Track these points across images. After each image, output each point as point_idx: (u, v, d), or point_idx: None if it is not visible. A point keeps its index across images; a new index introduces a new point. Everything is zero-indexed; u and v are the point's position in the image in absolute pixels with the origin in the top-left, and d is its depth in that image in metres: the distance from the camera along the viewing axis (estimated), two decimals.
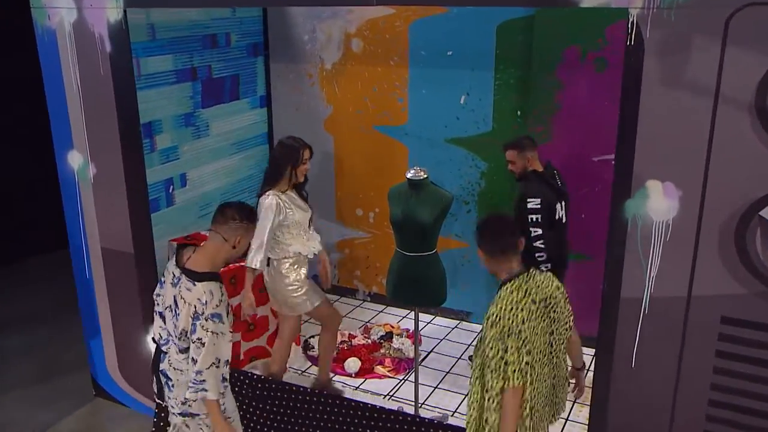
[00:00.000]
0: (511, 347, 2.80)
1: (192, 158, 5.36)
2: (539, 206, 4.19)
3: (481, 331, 2.96)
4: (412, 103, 5.50)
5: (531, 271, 2.96)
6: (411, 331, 5.57)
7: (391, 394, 4.87)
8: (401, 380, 5.03)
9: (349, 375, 5.06)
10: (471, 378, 3.03)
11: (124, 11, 3.71)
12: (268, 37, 5.96)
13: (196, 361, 3.07)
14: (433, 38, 5.27)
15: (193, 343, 3.08)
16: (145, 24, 4.71)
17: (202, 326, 3.05)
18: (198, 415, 3.27)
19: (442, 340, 5.57)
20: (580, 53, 4.83)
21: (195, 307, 3.08)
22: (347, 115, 5.78)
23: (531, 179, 4.36)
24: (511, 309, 2.83)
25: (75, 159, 4.26)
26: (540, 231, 4.19)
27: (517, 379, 2.81)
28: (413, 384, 4.50)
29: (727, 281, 2.80)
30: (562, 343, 3.06)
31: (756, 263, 2.74)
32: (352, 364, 5.11)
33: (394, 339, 5.48)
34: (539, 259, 4.30)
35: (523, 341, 2.82)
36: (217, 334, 3.07)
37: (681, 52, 2.65)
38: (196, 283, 3.09)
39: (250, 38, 5.84)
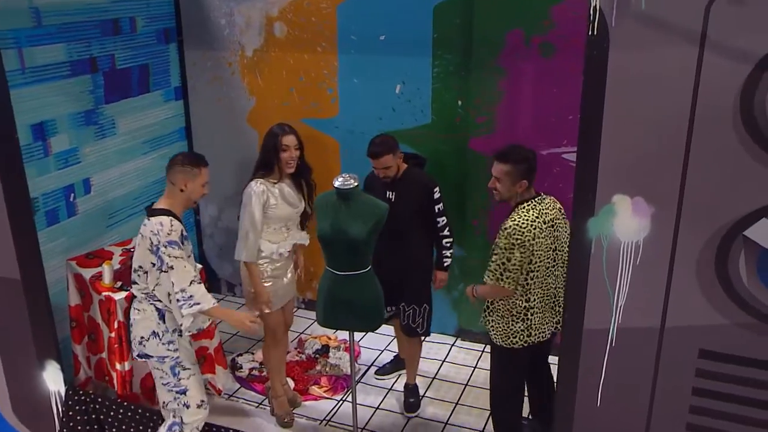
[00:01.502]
0: (516, 257, 3.31)
1: (96, 161, 4.78)
2: (440, 193, 4.10)
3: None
4: (342, 94, 5.00)
5: (541, 195, 3.46)
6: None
7: (328, 418, 4.41)
8: (339, 401, 4.57)
9: None
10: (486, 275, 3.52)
11: None
12: (180, 21, 5.35)
13: (175, 285, 3.31)
14: (363, 21, 4.77)
15: (165, 272, 3.34)
16: (27, 8, 4.07)
17: (165, 254, 3.32)
18: (152, 357, 3.50)
19: (383, 351, 5.13)
20: (524, 37, 4.41)
21: (150, 240, 3.35)
22: (272, 108, 5.24)
23: (416, 171, 4.18)
24: (526, 225, 3.31)
25: None
26: (446, 219, 4.13)
27: (509, 285, 3.37)
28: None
29: (706, 310, 2.42)
30: (564, 259, 3.43)
31: (739, 290, 2.36)
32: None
33: (330, 353, 5.02)
34: (446, 245, 4.16)
35: (530, 254, 3.32)
36: (182, 258, 3.35)
37: (653, 44, 2.23)
38: (149, 218, 3.40)
39: (159, 23, 5.22)
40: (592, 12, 2.25)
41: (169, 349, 3.51)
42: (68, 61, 4.42)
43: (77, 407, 3.81)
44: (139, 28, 5.01)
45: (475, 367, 4.91)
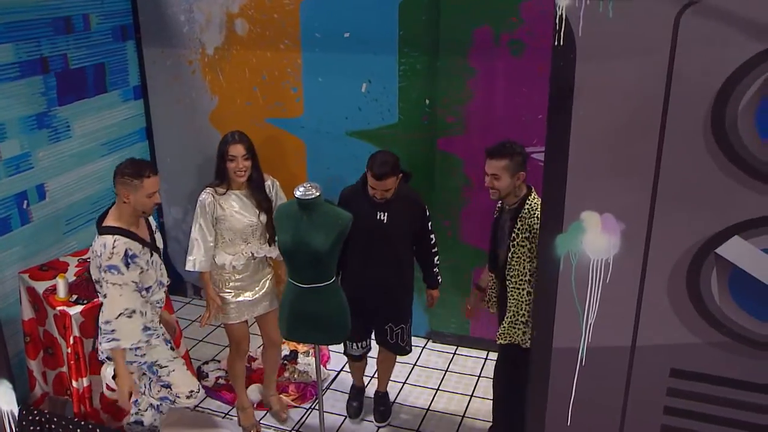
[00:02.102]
0: None
1: (51, 165, 4.59)
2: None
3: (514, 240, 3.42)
4: (307, 93, 4.85)
5: (531, 186, 3.45)
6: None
7: (296, 428, 4.30)
8: (308, 409, 4.47)
9: None
10: (513, 279, 3.45)
11: None
12: (138, 17, 5.15)
13: (102, 316, 3.25)
14: (327, 18, 4.62)
15: (104, 297, 3.27)
16: None
17: (104, 279, 3.21)
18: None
19: None
20: (493, 34, 4.30)
21: (96, 259, 3.25)
22: (235, 108, 5.08)
23: (406, 189, 3.84)
24: None
25: None
26: (434, 238, 3.94)
27: None
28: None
29: (677, 329, 2.34)
30: None
31: (711, 308, 2.28)
32: (252, 393, 4.50)
33: (299, 358, 4.90)
34: (437, 262, 4.01)
35: None
36: (119, 285, 3.19)
37: (621, 54, 2.12)
38: (98, 235, 3.29)
39: (115, 20, 5.02)
40: (558, 21, 2.13)
41: (137, 355, 3.45)
42: (17, 62, 4.22)
43: (31, 427, 3.65)
44: (93, 25, 4.80)
45: (446, 371, 4.82)
